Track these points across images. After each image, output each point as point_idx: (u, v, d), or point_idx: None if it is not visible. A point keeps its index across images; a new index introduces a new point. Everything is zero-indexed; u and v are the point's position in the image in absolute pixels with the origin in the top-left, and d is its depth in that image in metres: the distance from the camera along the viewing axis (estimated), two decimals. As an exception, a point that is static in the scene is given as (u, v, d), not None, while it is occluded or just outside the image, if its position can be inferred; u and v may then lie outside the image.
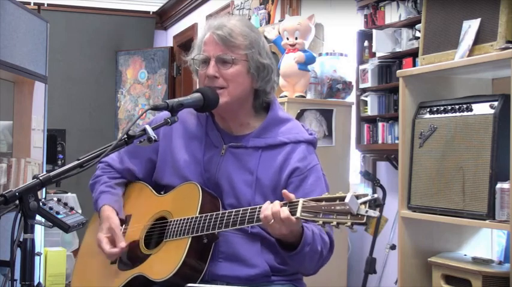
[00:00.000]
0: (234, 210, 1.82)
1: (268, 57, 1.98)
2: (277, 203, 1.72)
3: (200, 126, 2.03)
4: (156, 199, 2.04)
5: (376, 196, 1.56)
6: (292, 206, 1.69)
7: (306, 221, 1.69)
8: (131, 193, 2.13)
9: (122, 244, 1.94)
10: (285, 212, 1.69)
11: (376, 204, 1.55)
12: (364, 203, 1.54)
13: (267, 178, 1.93)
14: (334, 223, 1.57)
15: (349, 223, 1.55)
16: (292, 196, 1.73)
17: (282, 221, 1.70)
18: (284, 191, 1.75)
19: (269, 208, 1.72)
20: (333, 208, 1.58)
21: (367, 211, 1.54)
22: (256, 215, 1.76)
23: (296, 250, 1.79)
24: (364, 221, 1.53)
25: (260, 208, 1.75)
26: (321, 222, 1.60)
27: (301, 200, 1.67)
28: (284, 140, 1.96)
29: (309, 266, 1.89)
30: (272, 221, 1.70)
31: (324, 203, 1.61)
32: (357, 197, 1.55)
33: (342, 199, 1.56)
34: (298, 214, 1.65)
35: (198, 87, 1.97)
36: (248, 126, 2.01)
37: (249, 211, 1.78)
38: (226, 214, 1.82)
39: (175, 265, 1.81)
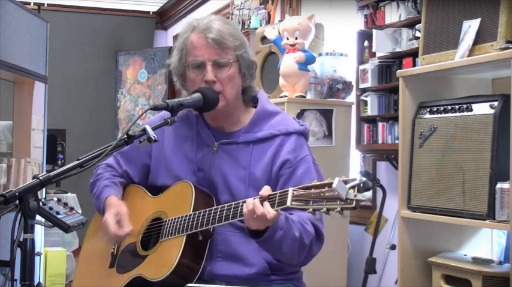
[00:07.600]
0: (226, 204, 1.81)
1: (252, 54, 2.01)
2: (264, 208, 1.69)
3: (190, 127, 2.03)
4: (151, 200, 2.05)
5: (364, 179, 1.56)
6: (282, 195, 1.68)
7: (296, 209, 1.68)
8: (126, 196, 2.13)
9: (128, 228, 1.94)
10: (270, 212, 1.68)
11: (365, 187, 1.55)
12: (353, 187, 1.55)
13: (259, 171, 1.93)
14: (324, 209, 1.58)
15: (338, 208, 1.56)
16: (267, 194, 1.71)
17: (266, 219, 1.69)
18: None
19: (251, 206, 1.70)
20: (322, 194, 1.59)
21: (355, 195, 1.54)
22: None
23: (265, 235, 1.75)
24: (353, 205, 1.54)
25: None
26: (311, 209, 1.60)
27: (290, 189, 1.67)
28: (274, 133, 1.96)
29: (289, 254, 1.84)
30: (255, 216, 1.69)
31: (313, 190, 1.62)
32: (345, 182, 1.56)
33: (330, 185, 1.57)
34: (288, 203, 1.65)
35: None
36: (239, 122, 2.01)
37: (240, 204, 1.77)
38: (219, 209, 1.81)
39: (171, 263, 1.81)
